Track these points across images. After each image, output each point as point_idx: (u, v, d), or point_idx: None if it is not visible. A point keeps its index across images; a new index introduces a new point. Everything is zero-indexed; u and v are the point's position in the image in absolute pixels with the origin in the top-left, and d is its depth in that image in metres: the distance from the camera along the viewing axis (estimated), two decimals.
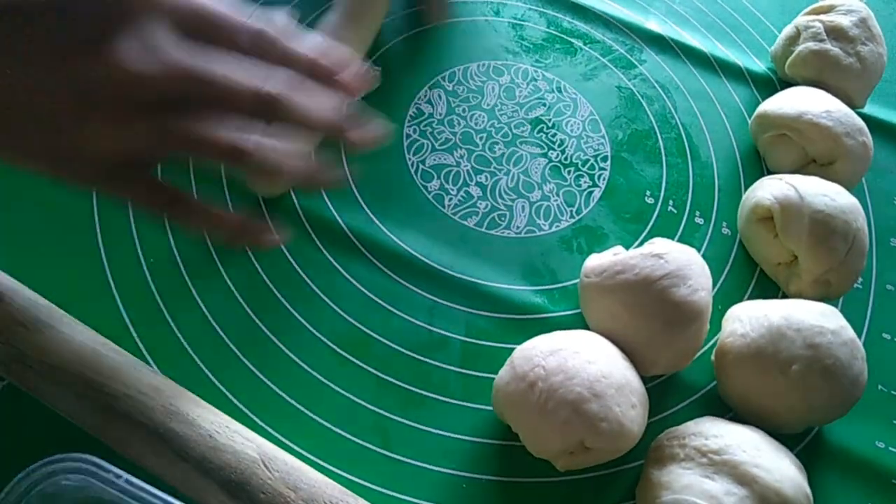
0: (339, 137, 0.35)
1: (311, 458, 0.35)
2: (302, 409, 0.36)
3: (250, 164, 0.32)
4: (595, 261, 0.39)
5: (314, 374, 0.37)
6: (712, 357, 0.39)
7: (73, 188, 0.33)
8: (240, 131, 0.32)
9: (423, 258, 0.42)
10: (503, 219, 0.44)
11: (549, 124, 0.48)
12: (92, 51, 0.28)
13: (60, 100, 0.29)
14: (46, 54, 0.28)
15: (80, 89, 0.29)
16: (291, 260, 0.40)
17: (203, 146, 0.31)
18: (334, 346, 0.38)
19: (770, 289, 0.44)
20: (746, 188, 0.46)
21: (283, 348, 0.38)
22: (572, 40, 0.53)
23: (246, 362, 0.37)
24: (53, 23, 0.29)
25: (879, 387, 0.41)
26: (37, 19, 0.29)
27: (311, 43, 0.35)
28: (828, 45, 0.49)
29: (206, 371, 0.37)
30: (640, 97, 0.51)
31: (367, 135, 0.36)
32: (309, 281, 0.40)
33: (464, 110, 0.48)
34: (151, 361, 0.36)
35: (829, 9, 0.51)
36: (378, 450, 0.36)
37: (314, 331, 0.38)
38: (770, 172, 0.48)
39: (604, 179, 0.47)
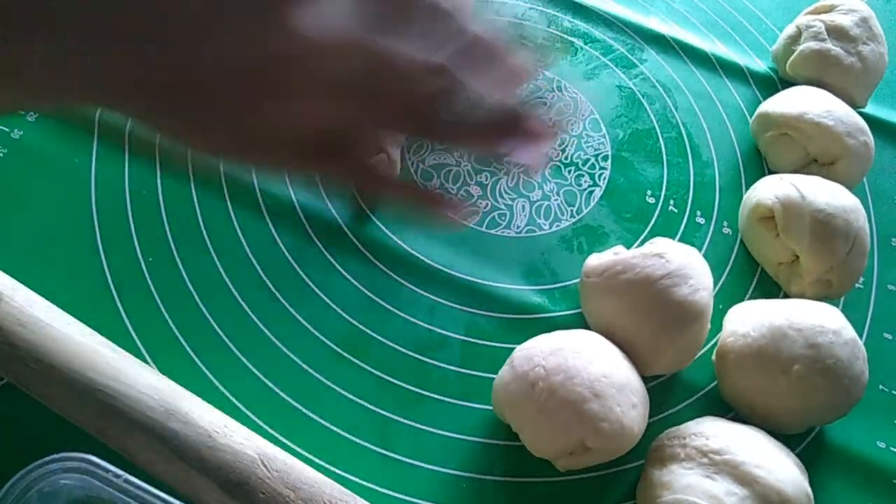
0: (513, 123, 0.32)
1: (311, 457, 0.35)
2: (301, 408, 0.36)
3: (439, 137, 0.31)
4: (596, 260, 0.39)
5: (313, 373, 0.37)
6: (713, 357, 0.39)
7: (269, 172, 0.35)
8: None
9: (422, 258, 0.42)
10: (503, 218, 0.44)
11: (550, 123, 0.48)
12: (269, 20, 0.25)
13: (237, 77, 0.26)
14: (219, 25, 0.25)
15: (255, 66, 0.26)
16: (291, 259, 0.40)
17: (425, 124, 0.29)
18: (334, 346, 0.38)
19: (771, 288, 0.44)
20: (747, 188, 0.46)
21: (283, 348, 0.38)
22: (573, 39, 0.53)
23: (245, 362, 0.37)
24: None
25: (881, 387, 0.41)
26: None
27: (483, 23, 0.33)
28: (829, 45, 0.49)
29: (205, 370, 0.36)
30: (640, 96, 0.51)
31: (540, 128, 0.32)
32: (308, 280, 0.40)
33: None
34: (150, 361, 0.36)
35: (831, 8, 0.51)
36: (378, 449, 0.36)
37: (314, 330, 0.38)
38: (771, 172, 0.48)
39: (604, 179, 0.47)
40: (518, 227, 0.44)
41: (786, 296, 0.43)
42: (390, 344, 0.39)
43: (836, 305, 0.42)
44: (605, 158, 0.47)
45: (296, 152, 0.28)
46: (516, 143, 0.32)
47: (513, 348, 0.36)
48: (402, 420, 0.37)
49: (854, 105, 0.48)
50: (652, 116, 0.50)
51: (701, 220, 0.46)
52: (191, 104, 0.26)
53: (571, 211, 0.45)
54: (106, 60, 0.25)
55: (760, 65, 0.54)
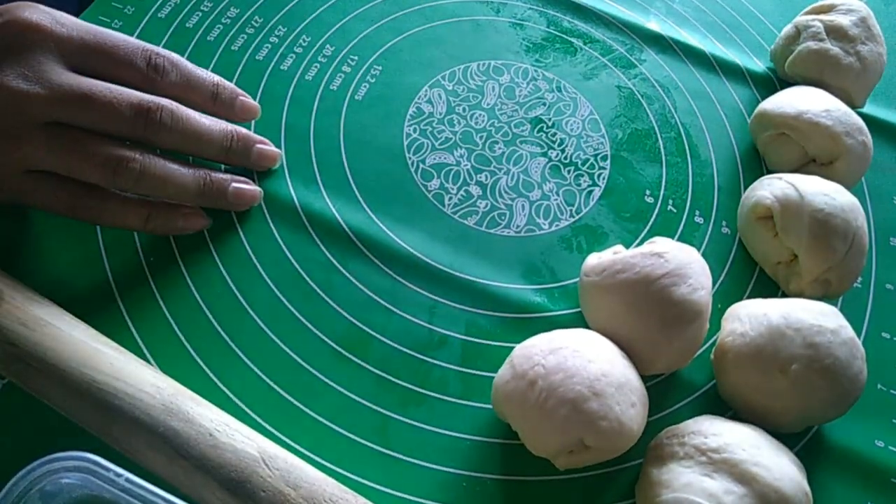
0: (227, 156, 0.41)
1: (312, 456, 0.35)
2: (302, 407, 0.36)
3: (132, 174, 0.36)
4: (595, 260, 0.39)
5: (314, 372, 0.37)
6: (712, 356, 0.39)
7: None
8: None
9: (422, 257, 0.42)
10: (503, 218, 0.44)
11: (549, 124, 0.48)
12: None
13: None
14: None
15: None
16: (291, 258, 0.41)
17: (87, 155, 0.35)
18: (334, 345, 0.38)
19: (770, 288, 0.44)
20: (746, 187, 0.46)
21: (283, 347, 0.38)
22: (572, 40, 0.53)
23: (246, 360, 0.37)
24: None
25: (879, 386, 0.41)
26: None
27: (206, 74, 0.41)
28: (828, 45, 0.49)
29: (206, 369, 0.37)
30: (639, 96, 0.51)
31: (266, 153, 0.42)
32: (308, 279, 0.40)
33: (464, 109, 0.48)
34: (151, 359, 0.36)
35: (829, 8, 0.51)
36: (378, 448, 0.36)
37: (314, 329, 0.39)
38: (769, 171, 0.48)
39: (603, 179, 0.47)
40: (518, 227, 0.44)
41: (784, 295, 0.43)
42: (390, 343, 0.39)
43: (835, 305, 0.42)
44: (604, 158, 0.47)
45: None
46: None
47: (512, 347, 0.36)
48: (402, 419, 0.37)
49: (852, 105, 0.48)
50: (651, 116, 0.50)
51: (700, 220, 0.46)
52: None
53: (571, 210, 0.45)
54: None
55: (759, 65, 0.54)
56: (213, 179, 0.39)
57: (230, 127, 0.40)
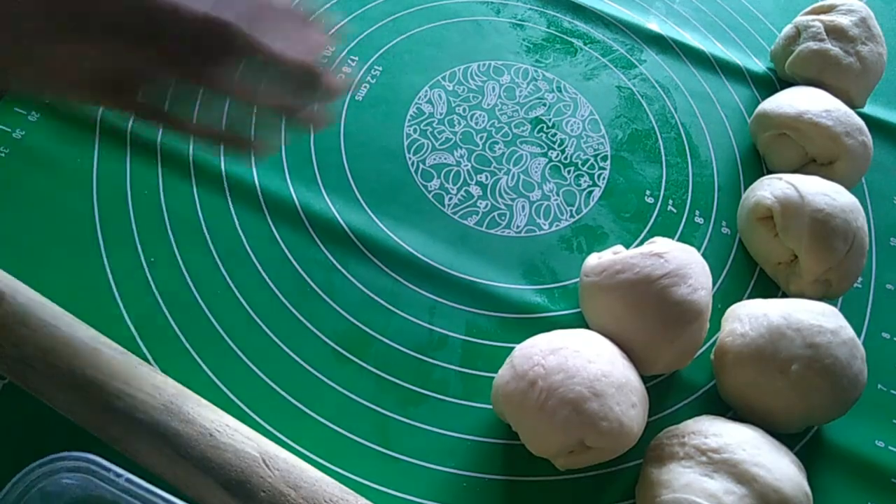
0: (311, 79, 0.35)
1: (312, 456, 0.35)
2: (302, 407, 0.36)
3: (221, 87, 0.32)
4: (595, 260, 0.39)
5: (315, 372, 0.37)
6: (712, 356, 0.39)
7: (71, 103, 0.34)
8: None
9: (423, 257, 0.42)
10: (503, 218, 0.44)
11: (549, 124, 0.48)
12: None
13: (33, 26, 0.29)
14: None
15: (46, 12, 0.29)
16: (292, 259, 0.41)
17: (163, 65, 0.31)
18: (335, 345, 0.38)
19: (770, 288, 0.44)
20: (746, 188, 0.46)
21: (284, 347, 0.38)
22: (572, 40, 0.53)
23: (246, 361, 0.37)
24: None
25: (879, 386, 0.41)
26: None
27: None
28: (828, 45, 0.49)
29: (207, 370, 0.37)
30: (639, 97, 0.51)
31: (337, 82, 0.36)
32: (309, 280, 0.40)
33: (464, 110, 0.48)
34: (152, 360, 0.36)
35: (830, 8, 0.51)
36: (378, 448, 0.36)
37: (315, 329, 0.39)
38: (770, 172, 0.48)
39: (604, 179, 0.47)
40: (518, 227, 0.44)
41: (784, 295, 0.43)
42: (391, 343, 0.39)
43: (835, 305, 0.42)
44: (604, 159, 0.47)
45: (84, 88, 0.32)
46: (312, 97, 0.34)
47: (513, 347, 0.36)
48: (402, 419, 0.37)
49: (853, 105, 0.48)
50: (651, 117, 0.50)
51: (700, 220, 0.46)
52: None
53: (571, 211, 0.45)
54: None
55: (759, 65, 0.54)
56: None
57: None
